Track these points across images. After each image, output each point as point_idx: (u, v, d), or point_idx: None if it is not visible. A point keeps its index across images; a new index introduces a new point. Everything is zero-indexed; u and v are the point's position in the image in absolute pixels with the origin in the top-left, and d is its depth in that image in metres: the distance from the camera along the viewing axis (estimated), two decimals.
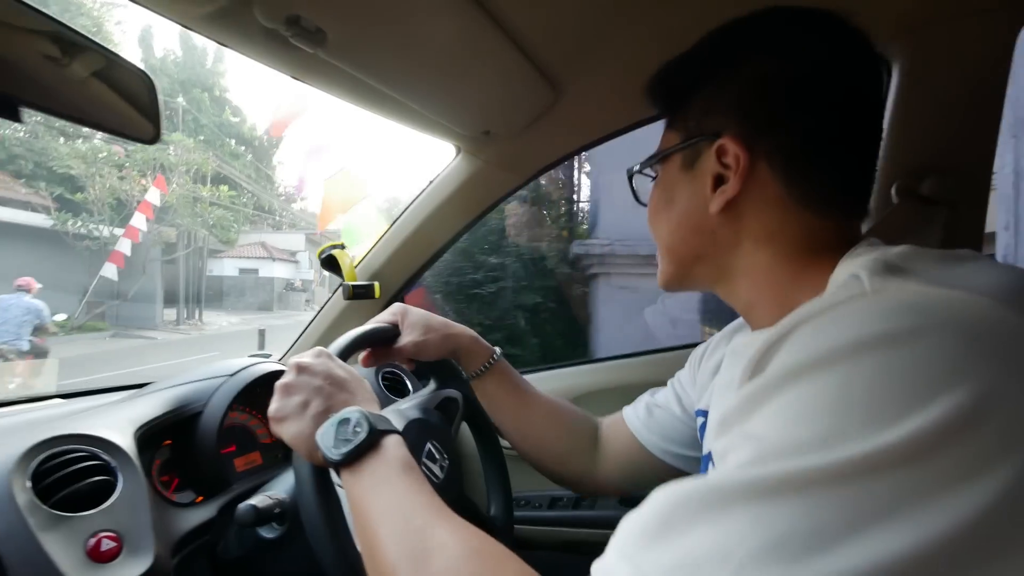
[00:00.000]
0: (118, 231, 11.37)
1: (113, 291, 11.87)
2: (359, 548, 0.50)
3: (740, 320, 0.63)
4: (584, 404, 1.21)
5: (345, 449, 0.50)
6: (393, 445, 0.52)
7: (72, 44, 0.48)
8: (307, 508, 0.55)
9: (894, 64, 0.82)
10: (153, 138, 0.58)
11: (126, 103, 0.55)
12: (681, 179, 0.53)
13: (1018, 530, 0.25)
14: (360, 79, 0.73)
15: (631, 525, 0.32)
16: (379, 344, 0.77)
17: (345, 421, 0.52)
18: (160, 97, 0.57)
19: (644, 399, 0.83)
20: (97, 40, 0.51)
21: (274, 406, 0.57)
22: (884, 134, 0.84)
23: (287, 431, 0.56)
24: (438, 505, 0.48)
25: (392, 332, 0.78)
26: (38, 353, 6.35)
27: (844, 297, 0.35)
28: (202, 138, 15.59)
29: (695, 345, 0.80)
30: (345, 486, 0.51)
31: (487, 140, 1.01)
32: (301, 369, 0.59)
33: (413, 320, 0.79)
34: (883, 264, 0.38)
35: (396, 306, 0.81)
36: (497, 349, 0.85)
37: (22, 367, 6.03)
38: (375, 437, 0.51)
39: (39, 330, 6.37)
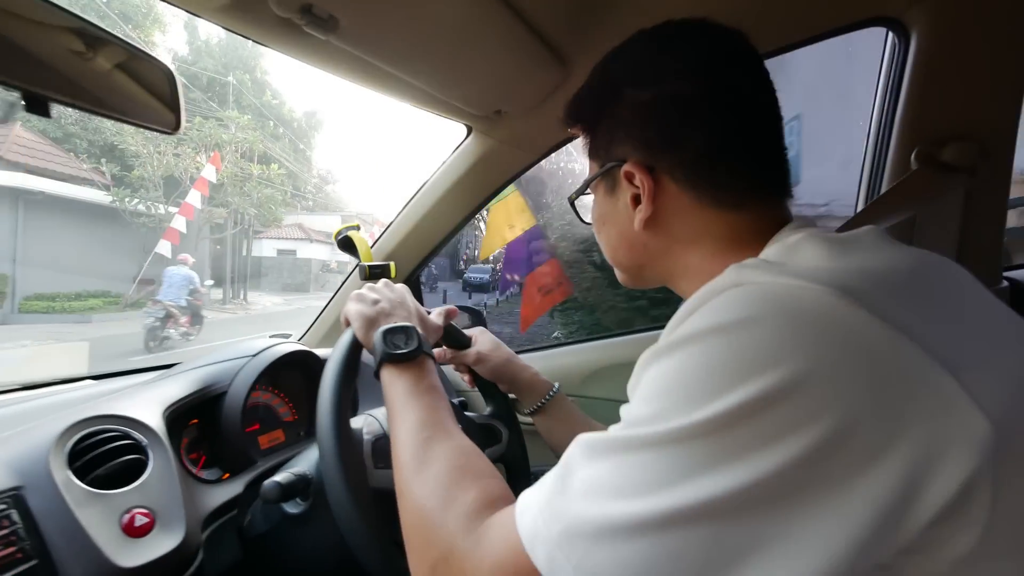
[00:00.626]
0: (172, 209, 11.36)
1: (164, 268, 12.00)
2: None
3: None
4: (598, 379, 1.23)
5: (395, 351, 0.62)
6: (429, 366, 0.64)
7: (96, 39, 0.49)
8: (328, 376, 0.63)
9: (912, 31, 0.81)
10: (175, 128, 0.59)
11: (149, 94, 0.56)
12: (607, 202, 0.56)
13: (807, 494, 0.30)
14: (372, 63, 0.74)
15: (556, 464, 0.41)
16: (454, 341, 0.88)
17: (403, 330, 0.65)
18: (181, 88, 0.58)
19: None
20: (119, 35, 0.51)
21: (354, 294, 0.72)
22: (902, 101, 0.85)
23: (353, 309, 0.69)
24: (447, 423, 0.57)
25: (467, 340, 0.89)
26: (193, 310, 8.77)
27: (712, 292, 0.40)
28: (248, 117, 15.38)
29: None
30: (383, 380, 0.62)
31: (498, 119, 1.00)
32: (387, 284, 0.74)
33: (486, 339, 0.91)
34: (752, 259, 0.43)
35: (477, 328, 0.94)
36: (556, 384, 0.90)
37: (184, 319, 8.52)
38: (419, 354, 0.63)
39: (193, 293, 8.76)
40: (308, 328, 1.37)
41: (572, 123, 0.60)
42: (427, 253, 1.28)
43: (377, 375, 0.65)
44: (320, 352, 1.08)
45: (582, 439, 0.39)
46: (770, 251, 0.45)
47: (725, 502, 0.31)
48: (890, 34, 0.85)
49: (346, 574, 0.76)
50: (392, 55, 0.74)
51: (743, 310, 0.35)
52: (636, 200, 0.51)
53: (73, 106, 0.48)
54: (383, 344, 0.63)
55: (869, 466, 0.30)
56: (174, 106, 0.58)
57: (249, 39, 0.66)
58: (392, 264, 1.20)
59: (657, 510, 0.32)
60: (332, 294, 1.36)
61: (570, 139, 1.15)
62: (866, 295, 0.34)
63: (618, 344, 1.30)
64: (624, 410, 0.39)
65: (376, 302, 0.70)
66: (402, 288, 0.75)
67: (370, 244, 1.23)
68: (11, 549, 0.51)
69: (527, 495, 0.40)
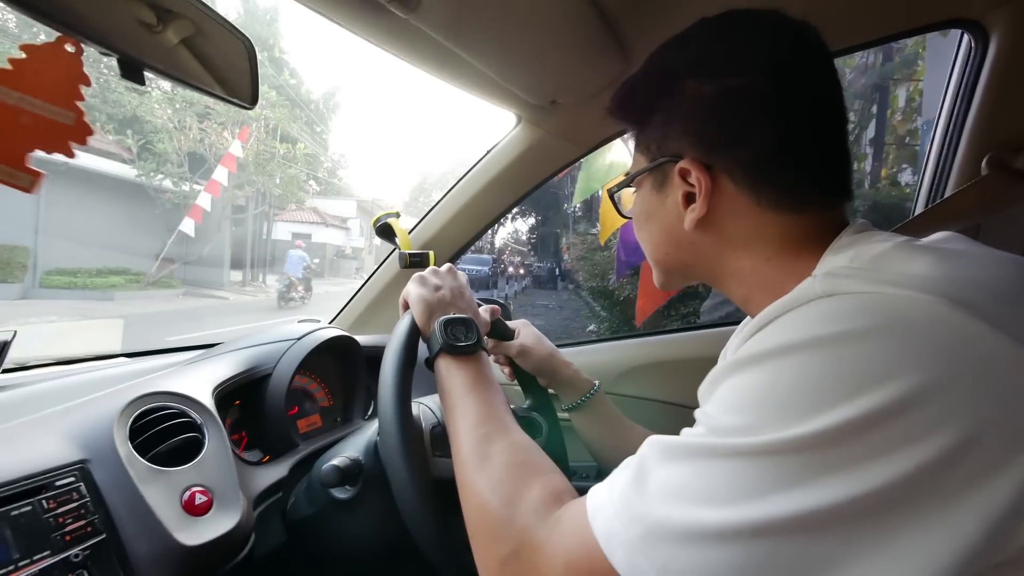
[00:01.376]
0: (197, 186, 11.40)
1: (184, 248, 11.94)
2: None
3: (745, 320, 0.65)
4: (632, 377, 1.23)
5: (454, 343, 0.62)
6: (485, 361, 0.64)
7: (175, 6, 0.48)
8: (388, 363, 0.62)
9: (992, 34, 0.78)
10: (252, 102, 0.58)
11: (228, 66, 0.55)
12: (654, 199, 0.54)
13: (916, 507, 0.30)
14: (443, 45, 0.72)
15: (626, 462, 0.40)
16: (497, 333, 0.87)
17: (463, 322, 0.64)
18: (259, 61, 0.57)
19: None
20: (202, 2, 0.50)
21: (417, 276, 0.71)
22: (976, 105, 0.83)
23: (415, 293, 0.68)
24: (505, 419, 0.57)
25: (510, 332, 0.89)
26: (306, 282, 12.39)
27: (796, 300, 0.39)
28: (275, 93, 15.28)
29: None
30: (439, 372, 0.62)
31: (551, 110, 0.99)
32: (451, 271, 0.73)
33: (529, 332, 0.91)
34: (840, 266, 0.41)
35: (521, 320, 0.93)
36: (596, 382, 0.89)
37: (300, 287, 12.09)
38: (477, 348, 0.63)
39: (306, 268, 12.51)
40: (339, 312, 1.37)
41: (621, 113, 0.57)
42: (466, 242, 1.27)
43: (430, 364, 0.64)
44: (360, 339, 1.08)
45: (656, 441, 0.39)
46: (844, 257, 0.43)
47: (824, 514, 0.30)
48: (965, 36, 0.83)
49: (391, 560, 0.76)
50: (465, 37, 0.73)
51: (845, 322, 0.34)
52: (688, 199, 0.49)
53: (161, 74, 0.48)
54: (443, 334, 0.62)
55: (984, 481, 0.29)
56: (253, 80, 0.57)
57: (327, 16, 0.65)
58: (431, 253, 1.19)
59: (749, 519, 0.31)
60: (364, 279, 1.36)
61: (619, 134, 1.13)
62: (979, 305, 0.33)
63: (654, 343, 1.29)
64: (702, 416, 0.38)
65: (438, 288, 0.69)
66: (464, 277, 0.74)
67: (409, 231, 1.22)
68: (82, 523, 0.51)
69: (599, 493, 0.40)
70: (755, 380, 0.35)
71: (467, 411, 0.57)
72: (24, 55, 0.44)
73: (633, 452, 0.84)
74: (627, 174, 0.58)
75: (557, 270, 19.36)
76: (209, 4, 0.52)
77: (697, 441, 0.36)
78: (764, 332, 0.39)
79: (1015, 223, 0.79)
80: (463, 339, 0.62)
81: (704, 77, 0.48)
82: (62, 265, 9.81)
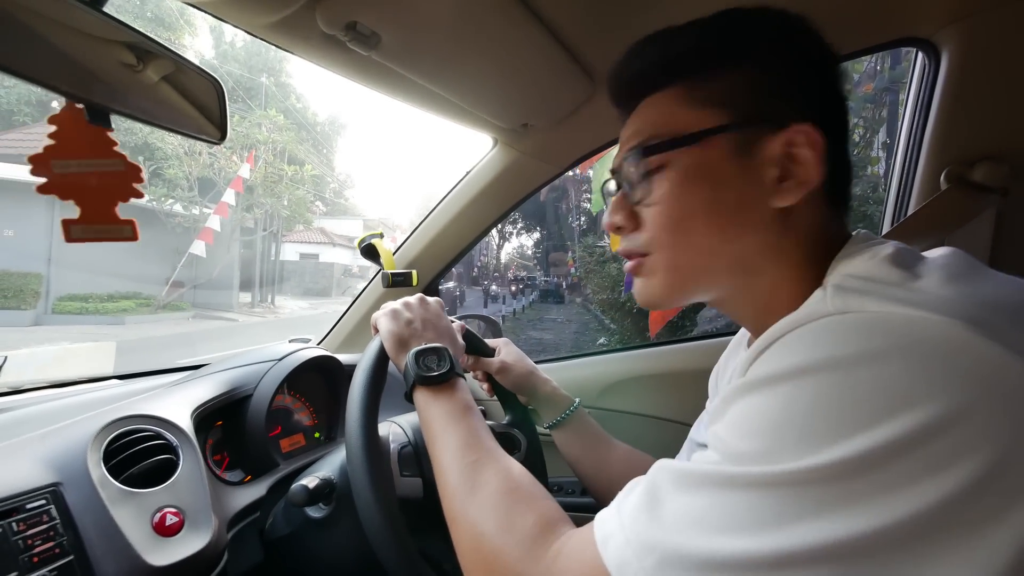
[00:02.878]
0: (207, 210, 11.50)
1: (193, 271, 12.01)
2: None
3: (739, 335, 0.65)
4: (615, 392, 1.23)
5: (428, 373, 0.61)
6: (462, 386, 0.62)
7: (147, 51, 0.51)
8: (356, 383, 0.63)
9: (943, 52, 0.80)
10: (220, 138, 0.61)
11: (196, 106, 0.58)
12: (732, 167, 0.44)
13: (945, 536, 0.28)
14: (410, 79, 0.76)
15: (631, 486, 0.40)
16: (476, 350, 0.87)
17: (434, 351, 0.63)
18: (227, 100, 0.60)
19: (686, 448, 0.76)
20: (170, 47, 0.54)
21: (386, 308, 0.70)
22: (931, 121, 0.84)
23: (384, 327, 0.68)
24: (489, 444, 0.55)
25: (490, 349, 0.89)
26: None
27: (808, 316, 0.37)
28: (283, 117, 15.51)
29: (731, 334, 0.80)
30: (417, 403, 0.61)
31: (524, 132, 1.02)
32: (422, 300, 0.72)
33: (510, 350, 0.91)
34: (850, 280, 0.38)
35: (502, 339, 0.94)
36: (576, 400, 0.89)
37: None
38: (453, 376, 0.61)
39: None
40: (328, 332, 1.39)
41: (674, 57, 0.47)
42: (448, 261, 1.29)
43: (409, 397, 0.63)
44: (342, 358, 1.10)
45: (668, 466, 0.38)
46: (854, 267, 0.40)
47: (847, 546, 0.29)
48: (920, 54, 0.85)
49: None
50: (428, 70, 0.76)
51: (859, 343, 0.33)
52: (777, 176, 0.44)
53: (129, 116, 0.51)
54: (416, 366, 0.61)
55: (1012, 508, 0.28)
56: (221, 117, 0.60)
57: (294, 54, 0.69)
58: (414, 272, 1.21)
59: (770, 549, 0.30)
60: (352, 299, 1.38)
61: (593, 152, 1.16)
62: (994, 327, 0.32)
63: (637, 356, 1.30)
64: (715, 440, 0.37)
65: (409, 322, 0.68)
66: (436, 305, 0.73)
67: (392, 252, 1.24)
68: (50, 544, 0.53)
69: (606, 521, 0.39)
70: (770, 404, 0.34)
71: (449, 441, 0.55)
72: (56, 127, 0.49)
73: (615, 469, 0.86)
74: (661, 136, 0.46)
75: (563, 284, 19.41)
76: (180, 51, 0.55)
77: (712, 469, 0.35)
78: (775, 350, 0.37)
79: (977, 236, 0.80)
80: (436, 368, 0.61)
81: (799, 41, 0.45)
82: (74, 291, 9.96)
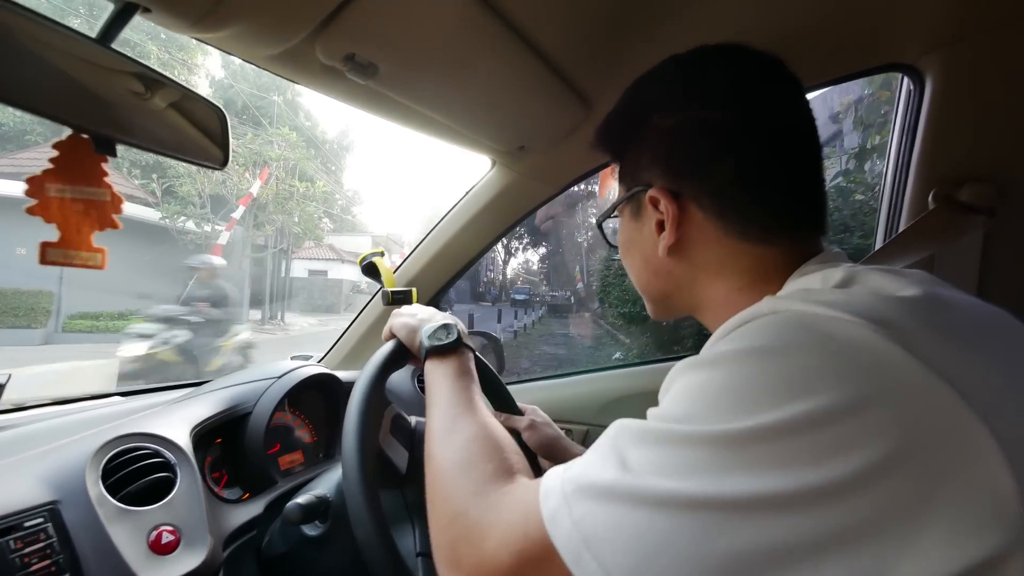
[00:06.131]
0: (218, 227, 11.50)
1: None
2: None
3: None
4: (615, 409, 1.23)
5: (438, 343, 0.68)
6: (467, 356, 0.69)
7: (153, 81, 0.54)
8: (364, 373, 0.67)
9: (927, 76, 0.82)
10: (223, 164, 0.64)
11: (200, 133, 0.61)
12: (632, 227, 0.56)
13: (838, 522, 0.30)
14: (407, 105, 0.78)
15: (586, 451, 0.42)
16: (508, 407, 0.94)
17: (445, 327, 0.70)
18: (230, 128, 0.63)
19: None
20: (174, 78, 0.56)
21: (394, 312, 0.78)
22: (919, 143, 0.86)
23: (398, 322, 0.75)
24: (475, 402, 0.61)
25: (519, 410, 0.95)
26: None
27: (747, 318, 0.41)
28: (295, 135, 15.61)
29: None
30: (427, 372, 0.67)
31: (522, 154, 1.04)
32: (419, 307, 0.79)
33: (540, 412, 0.96)
34: (799, 289, 0.44)
35: (531, 406, 0.97)
36: None
37: None
38: (459, 345, 0.68)
39: None
40: (328, 350, 1.40)
41: (600, 146, 0.60)
42: (448, 279, 1.31)
43: (422, 375, 0.69)
44: (342, 375, 1.11)
45: (616, 427, 0.40)
46: (803, 282, 0.45)
47: (752, 501, 0.31)
48: (905, 79, 0.87)
49: None
50: (425, 97, 0.79)
51: (778, 337, 0.36)
52: (661, 226, 0.51)
53: (134, 145, 0.53)
54: (427, 340, 0.68)
55: (912, 511, 0.30)
56: (223, 143, 0.63)
57: (296, 83, 0.71)
58: (414, 290, 1.23)
59: (703, 492, 0.32)
60: (352, 318, 1.39)
61: (590, 173, 1.18)
62: (906, 333, 0.34)
63: (637, 373, 1.30)
64: (660, 410, 0.40)
65: (416, 314, 0.75)
66: (433, 309, 0.79)
67: (393, 271, 1.26)
68: (46, 562, 0.54)
69: (550, 474, 0.41)
70: (704, 379, 0.38)
71: (443, 396, 0.61)
72: (58, 152, 0.51)
73: None
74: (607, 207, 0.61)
75: (572, 299, 19.40)
76: (183, 82, 0.57)
77: (662, 426, 0.37)
78: (717, 343, 0.41)
79: (967, 253, 0.81)
80: (444, 338, 0.68)
81: (669, 109, 0.51)
82: (85, 309, 9.99)
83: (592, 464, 0.38)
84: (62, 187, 0.50)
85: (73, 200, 0.51)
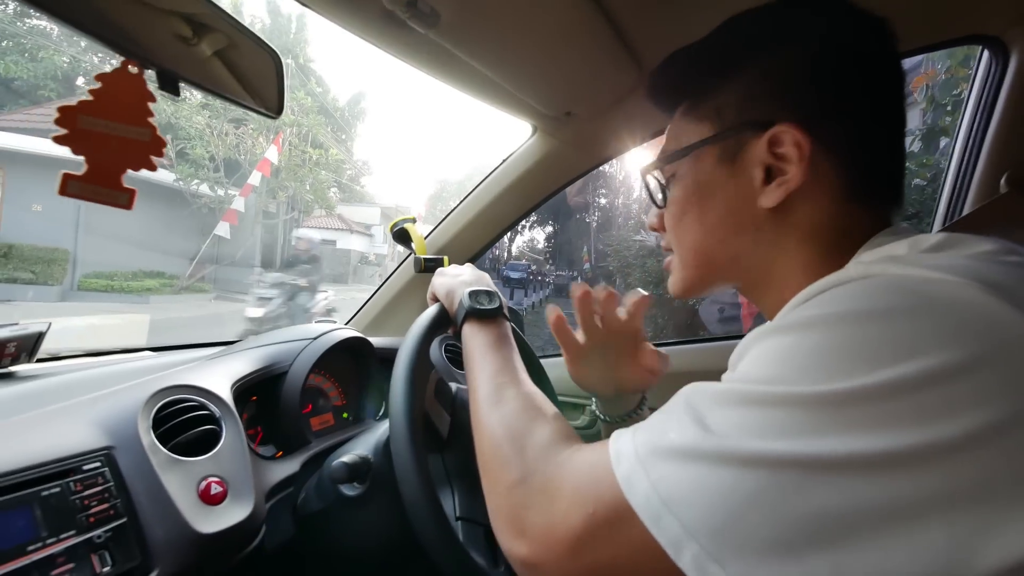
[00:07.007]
0: (232, 192, 11.52)
1: (216, 253, 11.95)
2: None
3: None
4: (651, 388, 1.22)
5: (479, 307, 0.66)
6: (505, 325, 0.67)
7: (204, 24, 0.52)
8: (412, 331, 0.67)
9: (1012, 51, 0.78)
10: (278, 111, 0.62)
11: (255, 77, 0.59)
12: (718, 174, 0.49)
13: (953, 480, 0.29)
14: (462, 59, 0.76)
15: (654, 414, 0.40)
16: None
17: (487, 293, 0.69)
18: (285, 74, 0.60)
19: None
20: (229, 14, 0.54)
21: (438, 271, 0.77)
22: (995, 122, 0.82)
23: (439, 281, 0.74)
24: (518, 371, 0.59)
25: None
26: None
27: (832, 283, 0.39)
28: (311, 100, 15.36)
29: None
30: (464, 336, 0.66)
31: (566, 121, 1.01)
32: (470, 265, 0.79)
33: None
34: (882, 254, 0.41)
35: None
36: (646, 397, 0.81)
37: None
38: (499, 312, 0.67)
39: None
40: (355, 314, 1.40)
41: (684, 72, 0.53)
42: (480, 248, 1.29)
43: (459, 333, 0.67)
44: (374, 340, 1.10)
45: (702, 387, 0.38)
46: (885, 249, 0.42)
47: (841, 462, 0.30)
48: (986, 52, 0.82)
49: (397, 557, 0.78)
50: (483, 52, 0.76)
51: (879, 300, 0.34)
52: (767, 174, 0.46)
53: (196, 85, 0.51)
54: (468, 301, 0.67)
55: (1016, 477, 0.28)
56: (279, 90, 0.61)
57: (348, 30, 0.68)
58: (446, 258, 1.21)
59: (802, 453, 0.31)
60: (380, 283, 1.39)
61: (633, 148, 1.14)
62: (1014, 293, 0.32)
63: (673, 353, 1.29)
64: (736, 374, 0.38)
65: (458, 274, 0.74)
66: (481, 272, 0.78)
67: (424, 237, 1.25)
68: (105, 506, 0.54)
69: (621, 435, 0.40)
70: (790, 343, 0.36)
71: (485, 365, 0.60)
72: (100, 84, 0.49)
73: None
74: (669, 151, 0.53)
75: (580, 279, 19.34)
76: (239, 19, 0.55)
77: (744, 387, 0.36)
78: (797, 308, 0.39)
79: None
80: (486, 304, 0.67)
81: (804, 38, 0.45)
82: (99, 268, 10.08)
83: (668, 426, 0.37)
84: (97, 120, 0.48)
85: (109, 135, 0.49)
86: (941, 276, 0.34)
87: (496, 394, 0.55)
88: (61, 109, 0.47)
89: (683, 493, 0.33)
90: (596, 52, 0.81)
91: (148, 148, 0.52)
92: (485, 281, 0.74)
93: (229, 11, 0.54)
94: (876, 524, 0.29)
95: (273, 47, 0.58)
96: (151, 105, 0.52)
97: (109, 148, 0.50)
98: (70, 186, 0.50)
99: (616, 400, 0.79)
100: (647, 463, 0.36)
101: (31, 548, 0.47)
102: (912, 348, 0.31)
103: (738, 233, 0.49)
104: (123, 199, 0.52)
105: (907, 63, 0.86)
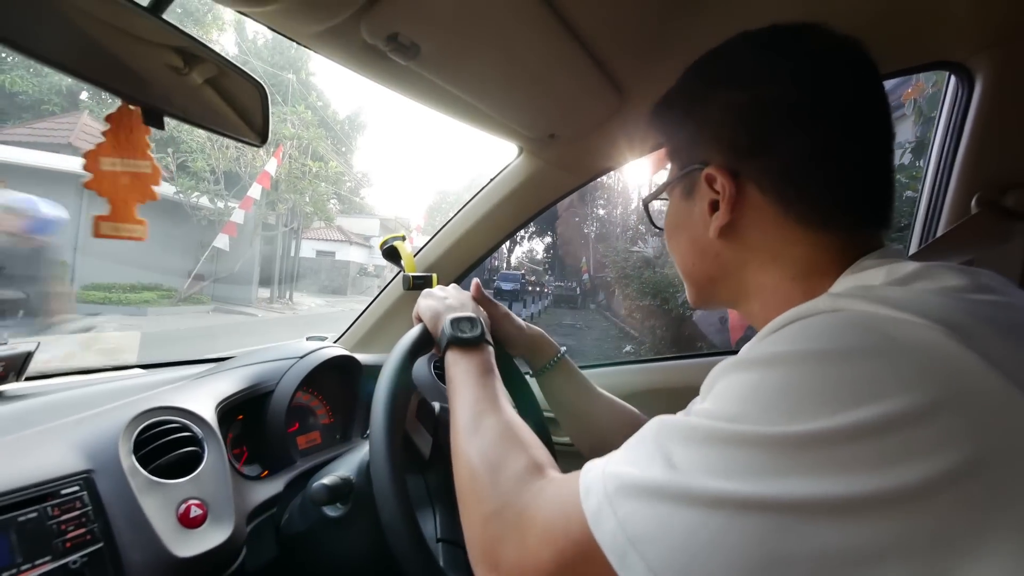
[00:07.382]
0: (232, 204, 11.53)
1: (215, 265, 12.01)
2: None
3: None
4: (637, 403, 1.23)
5: (461, 335, 0.68)
6: (488, 351, 0.68)
7: (194, 55, 0.53)
8: (391, 359, 0.67)
9: (976, 76, 0.80)
10: (262, 140, 0.63)
11: (240, 108, 0.60)
12: (683, 207, 0.55)
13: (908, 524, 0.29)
14: (444, 88, 0.78)
15: (624, 444, 0.41)
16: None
17: (469, 320, 0.70)
18: (270, 103, 0.62)
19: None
20: (216, 51, 0.56)
21: (425, 292, 0.79)
22: (964, 145, 0.84)
23: (424, 304, 0.76)
24: (498, 400, 0.61)
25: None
26: None
27: (804, 313, 0.40)
28: (311, 114, 15.49)
29: None
30: (447, 363, 0.67)
31: (551, 143, 1.03)
32: (456, 288, 0.81)
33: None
34: (850, 286, 0.42)
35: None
36: (563, 348, 0.89)
37: None
38: (482, 340, 0.69)
39: None
40: (344, 331, 1.40)
41: (657, 124, 0.59)
42: (469, 266, 1.30)
43: (441, 361, 0.68)
44: (361, 357, 1.11)
45: (670, 422, 0.39)
46: (860, 277, 0.43)
47: (810, 503, 0.30)
48: (953, 77, 0.85)
49: None
50: (463, 80, 0.78)
51: (840, 339, 0.35)
52: (714, 206, 0.50)
53: (180, 118, 0.53)
54: (451, 329, 0.68)
55: (976, 524, 0.29)
56: (263, 120, 0.62)
57: (334, 62, 0.70)
58: (434, 276, 1.22)
59: (760, 494, 0.32)
60: (371, 299, 1.39)
61: (616, 166, 1.16)
62: (978, 337, 0.33)
63: (653, 369, 1.30)
64: (703, 410, 0.38)
65: (445, 299, 0.76)
66: (467, 293, 0.81)
67: (413, 255, 1.26)
68: (82, 530, 0.54)
69: (591, 468, 0.41)
70: (757, 380, 0.36)
71: (467, 393, 0.61)
72: (109, 125, 0.51)
73: (600, 418, 0.88)
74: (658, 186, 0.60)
75: (579, 289, 19.27)
76: (225, 54, 0.57)
77: (711, 425, 0.36)
78: (767, 339, 0.40)
79: (1007, 260, 0.79)
80: (468, 332, 0.68)
81: (735, 85, 0.49)
82: (98, 280, 10.03)
83: (635, 462, 0.38)
84: (115, 160, 0.50)
85: (122, 173, 0.51)
86: (906, 317, 0.35)
87: (474, 423, 0.56)
88: (87, 155, 0.51)
89: (649, 532, 0.34)
90: (576, 80, 0.83)
91: (150, 179, 0.55)
92: (469, 306, 0.75)
93: (216, 46, 0.56)
94: (836, 569, 0.30)
95: (258, 78, 0.60)
96: (147, 138, 0.54)
97: (123, 184, 0.53)
98: (103, 227, 0.53)
99: (531, 355, 0.88)
100: (614, 500, 0.36)
101: (6, 574, 0.48)
102: (873, 392, 0.32)
103: (703, 257, 0.55)
104: (140, 231, 0.55)
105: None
